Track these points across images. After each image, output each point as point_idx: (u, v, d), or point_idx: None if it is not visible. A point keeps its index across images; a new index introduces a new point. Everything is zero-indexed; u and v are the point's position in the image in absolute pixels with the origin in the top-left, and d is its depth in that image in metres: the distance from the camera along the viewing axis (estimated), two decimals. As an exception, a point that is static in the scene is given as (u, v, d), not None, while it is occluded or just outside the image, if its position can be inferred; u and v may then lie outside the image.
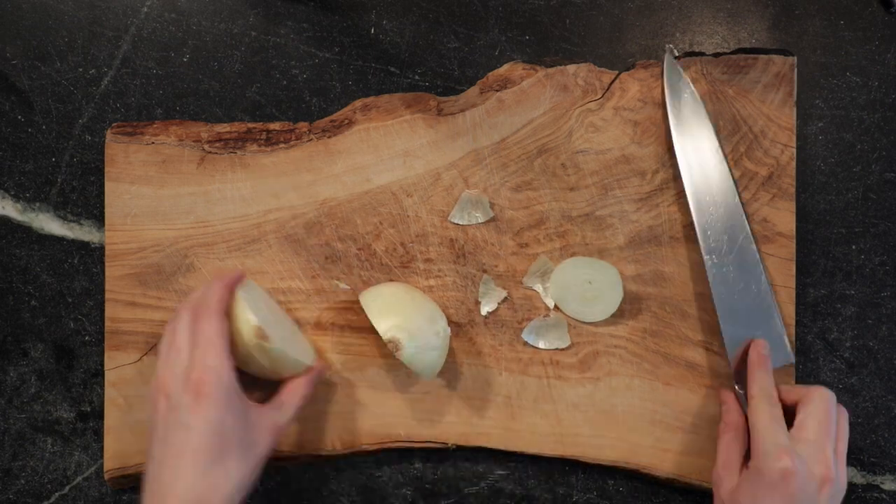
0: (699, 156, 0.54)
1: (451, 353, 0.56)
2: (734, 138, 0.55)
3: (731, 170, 0.54)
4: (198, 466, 0.42)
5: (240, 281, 0.50)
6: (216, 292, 0.48)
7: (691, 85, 0.55)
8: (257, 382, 0.52)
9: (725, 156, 0.54)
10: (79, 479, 0.59)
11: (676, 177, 0.55)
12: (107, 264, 0.57)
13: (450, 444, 0.56)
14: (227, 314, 0.48)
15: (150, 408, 0.46)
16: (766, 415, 0.47)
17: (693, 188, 0.54)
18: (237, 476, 0.43)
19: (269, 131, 0.57)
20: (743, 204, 0.54)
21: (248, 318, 0.49)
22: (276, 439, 0.47)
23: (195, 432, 0.43)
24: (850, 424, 0.56)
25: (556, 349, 0.55)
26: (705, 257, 0.53)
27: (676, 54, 0.56)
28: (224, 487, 0.43)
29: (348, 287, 0.56)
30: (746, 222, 0.53)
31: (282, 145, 0.57)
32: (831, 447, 0.46)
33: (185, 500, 0.41)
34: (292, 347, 0.52)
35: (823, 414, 0.47)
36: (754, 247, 0.53)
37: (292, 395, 0.50)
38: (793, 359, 0.53)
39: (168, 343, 0.47)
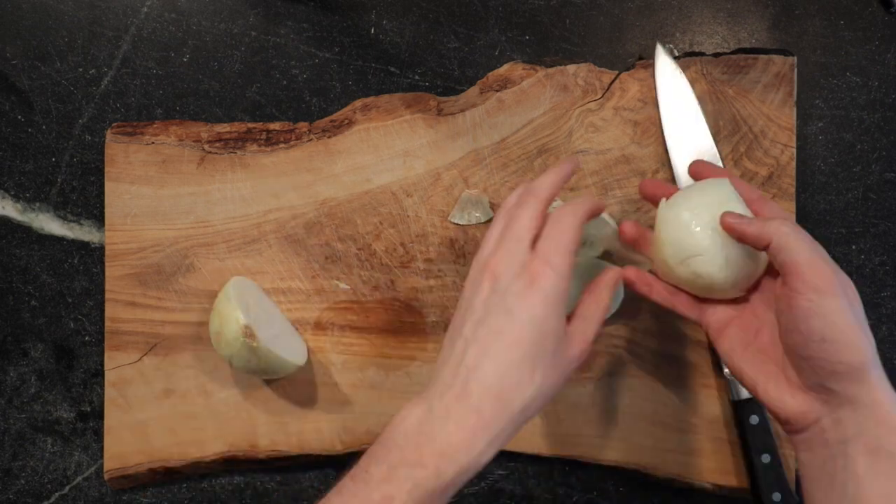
0: (693, 151, 0.54)
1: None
2: (734, 138, 0.55)
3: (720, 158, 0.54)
4: (511, 356, 0.38)
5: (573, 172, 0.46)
6: (559, 174, 0.45)
7: (683, 76, 0.55)
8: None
9: (720, 152, 0.55)
10: (79, 479, 0.59)
11: (676, 177, 0.55)
12: (107, 264, 0.57)
13: (450, 444, 0.56)
14: (220, 310, 0.48)
15: (468, 288, 0.42)
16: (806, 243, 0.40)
17: (685, 182, 0.54)
18: (542, 381, 0.39)
19: (269, 131, 0.57)
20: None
21: (237, 316, 0.49)
22: (585, 354, 0.42)
23: (518, 322, 0.39)
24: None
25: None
26: None
27: (676, 54, 0.56)
28: (528, 388, 0.39)
29: (348, 287, 0.56)
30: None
31: (282, 145, 0.57)
32: None
33: (487, 388, 0.38)
34: (282, 347, 0.52)
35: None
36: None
37: (594, 307, 0.44)
38: None
39: (505, 226, 0.43)
